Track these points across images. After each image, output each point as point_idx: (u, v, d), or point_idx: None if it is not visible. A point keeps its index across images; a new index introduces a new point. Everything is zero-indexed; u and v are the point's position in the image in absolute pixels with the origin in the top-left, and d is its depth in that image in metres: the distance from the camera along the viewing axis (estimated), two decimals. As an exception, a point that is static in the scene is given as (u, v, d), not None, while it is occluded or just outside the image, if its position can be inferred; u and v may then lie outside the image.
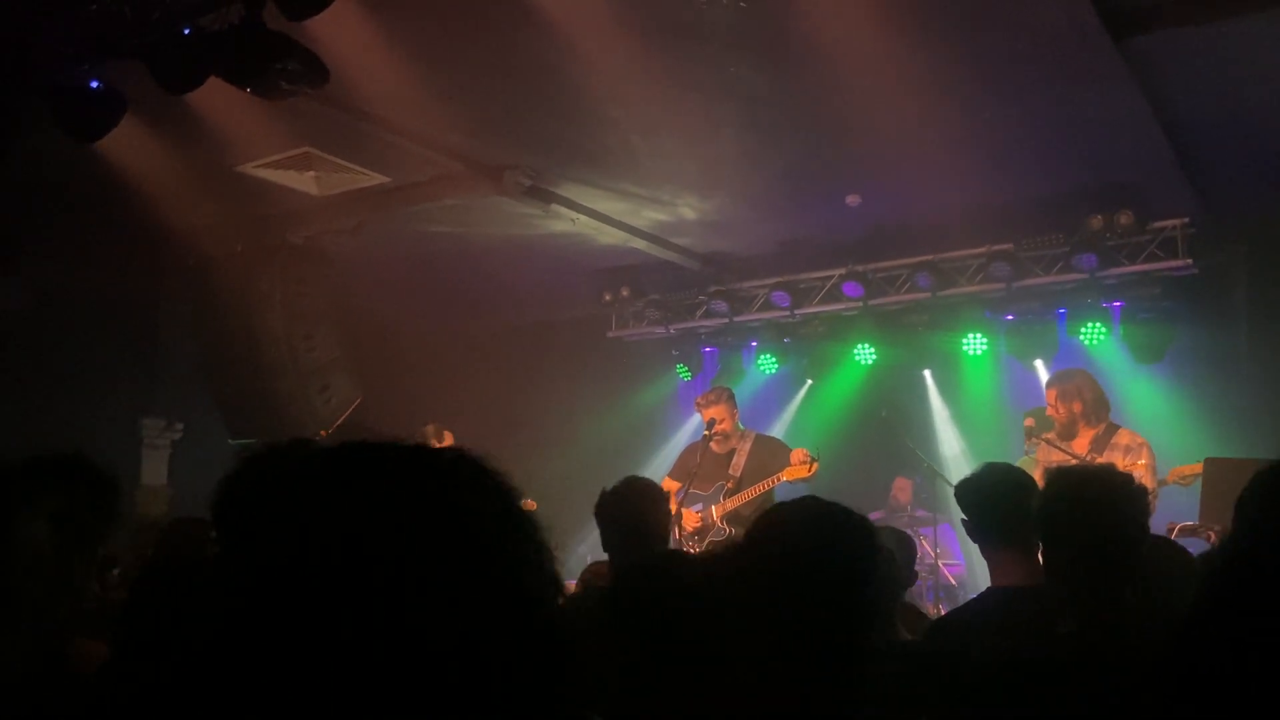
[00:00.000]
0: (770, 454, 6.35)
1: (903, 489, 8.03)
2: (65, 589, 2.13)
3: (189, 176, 6.24)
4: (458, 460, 0.92)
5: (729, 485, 6.30)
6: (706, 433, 6.41)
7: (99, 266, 7.42)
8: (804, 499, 1.94)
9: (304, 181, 6.56)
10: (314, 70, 4.01)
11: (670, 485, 6.30)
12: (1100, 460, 5.55)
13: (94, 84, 4.70)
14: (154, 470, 8.26)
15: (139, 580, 2.29)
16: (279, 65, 3.89)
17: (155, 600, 2.30)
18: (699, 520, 6.23)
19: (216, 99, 4.78)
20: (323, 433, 6.96)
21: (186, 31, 4.26)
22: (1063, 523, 2.39)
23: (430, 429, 7.37)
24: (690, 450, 6.65)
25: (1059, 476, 2.55)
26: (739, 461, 6.37)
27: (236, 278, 7.37)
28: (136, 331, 8.14)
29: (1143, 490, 2.53)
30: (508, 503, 0.91)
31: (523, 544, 0.90)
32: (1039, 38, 4.62)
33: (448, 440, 7.31)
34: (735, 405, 6.57)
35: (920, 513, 7.70)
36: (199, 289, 7.68)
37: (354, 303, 8.36)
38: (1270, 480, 0.73)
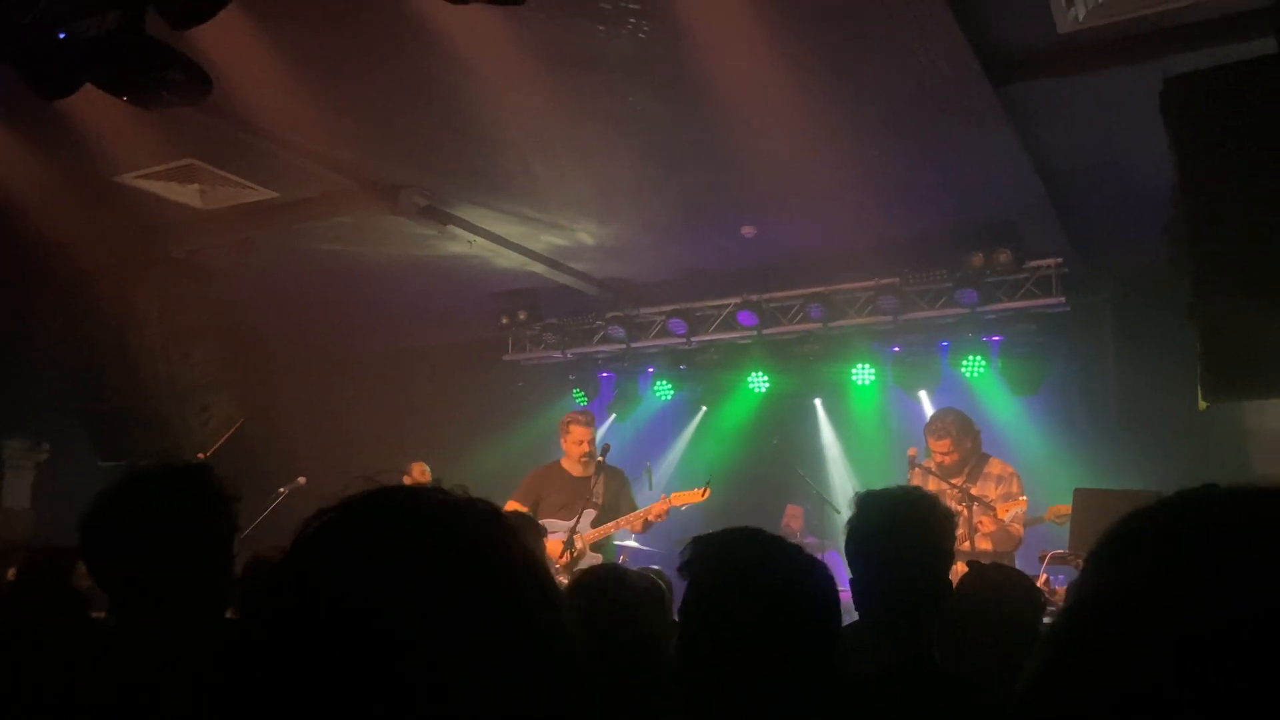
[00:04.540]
0: (621, 483, 6.36)
1: (794, 516, 8.13)
2: None
3: (63, 186, 5.95)
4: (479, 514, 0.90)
5: (595, 513, 6.11)
6: (582, 454, 6.33)
7: (-39, 277, 7.01)
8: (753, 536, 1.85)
9: (187, 194, 6.33)
10: (197, 81, 3.87)
11: (517, 508, 6.05)
12: (975, 489, 5.75)
13: (-42, 86, 4.45)
14: (16, 493, 7.82)
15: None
16: (159, 74, 3.74)
17: (16, 634, 2.17)
18: (561, 546, 5.88)
19: (94, 106, 4.57)
20: (200, 455, 6.68)
21: (62, 36, 4.07)
22: (864, 548, 2.28)
23: (421, 466, 7.18)
24: (540, 475, 6.49)
25: (864, 500, 2.37)
26: (599, 489, 6.22)
27: (112, 292, 7.05)
28: (1, 346, 7.70)
29: (948, 514, 2.45)
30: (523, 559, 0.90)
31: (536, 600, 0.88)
32: (924, 82, 4.80)
33: (426, 478, 7.17)
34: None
35: (810, 539, 7.82)
36: (71, 303, 7.32)
37: (240, 321, 8.09)
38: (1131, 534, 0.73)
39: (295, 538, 0.86)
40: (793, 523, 8.10)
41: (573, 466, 6.38)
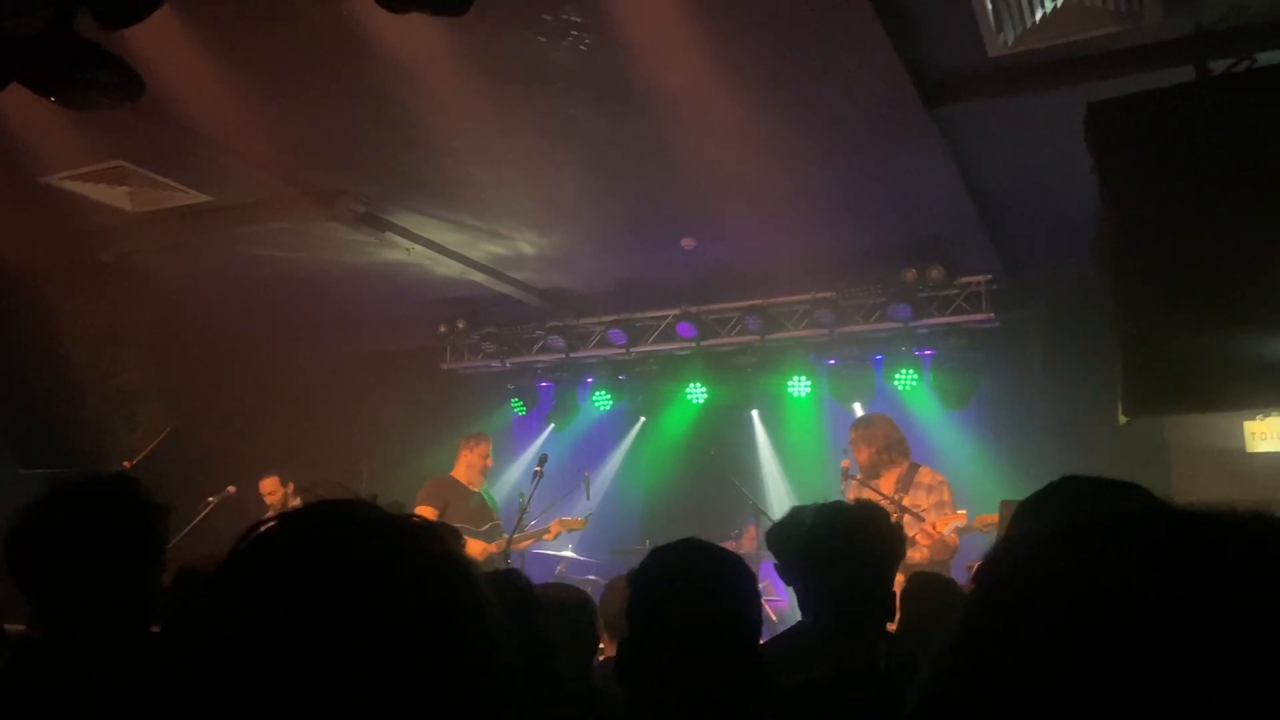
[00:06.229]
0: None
1: (751, 538, 8.08)
2: None
3: (-14, 185, 5.78)
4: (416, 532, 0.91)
5: (497, 524, 6.65)
6: (486, 469, 6.96)
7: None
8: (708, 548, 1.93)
9: (116, 196, 6.17)
10: (128, 82, 3.77)
11: (429, 513, 6.24)
12: (906, 498, 5.86)
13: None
14: (-70, 502, 7.51)
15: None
16: (88, 75, 3.64)
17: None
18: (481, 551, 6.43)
19: (20, 105, 4.45)
20: (126, 463, 6.51)
21: (-13, 32, 3.95)
22: (821, 557, 2.35)
23: (273, 480, 7.23)
24: (442, 485, 6.87)
25: (821, 511, 2.47)
26: (489, 505, 6.89)
27: (37, 296, 6.84)
28: (-82, 350, 7.41)
29: (900, 526, 2.59)
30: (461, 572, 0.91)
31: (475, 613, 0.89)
32: (860, 102, 4.90)
33: (290, 490, 7.23)
34: None
35: (765, 558, 7.83)
36: (-7, 306, 7.08)
37: (174, 327, 7.89)
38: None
39: (230, 551, 0.86)
40: (748, 544, 8.06)
41: (471, 481, 6.86)
